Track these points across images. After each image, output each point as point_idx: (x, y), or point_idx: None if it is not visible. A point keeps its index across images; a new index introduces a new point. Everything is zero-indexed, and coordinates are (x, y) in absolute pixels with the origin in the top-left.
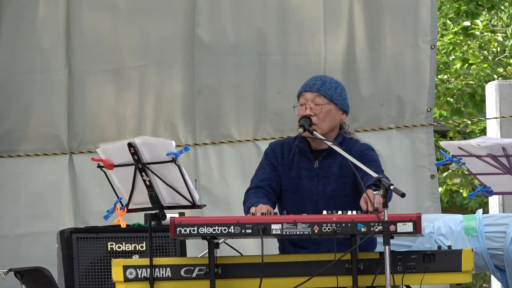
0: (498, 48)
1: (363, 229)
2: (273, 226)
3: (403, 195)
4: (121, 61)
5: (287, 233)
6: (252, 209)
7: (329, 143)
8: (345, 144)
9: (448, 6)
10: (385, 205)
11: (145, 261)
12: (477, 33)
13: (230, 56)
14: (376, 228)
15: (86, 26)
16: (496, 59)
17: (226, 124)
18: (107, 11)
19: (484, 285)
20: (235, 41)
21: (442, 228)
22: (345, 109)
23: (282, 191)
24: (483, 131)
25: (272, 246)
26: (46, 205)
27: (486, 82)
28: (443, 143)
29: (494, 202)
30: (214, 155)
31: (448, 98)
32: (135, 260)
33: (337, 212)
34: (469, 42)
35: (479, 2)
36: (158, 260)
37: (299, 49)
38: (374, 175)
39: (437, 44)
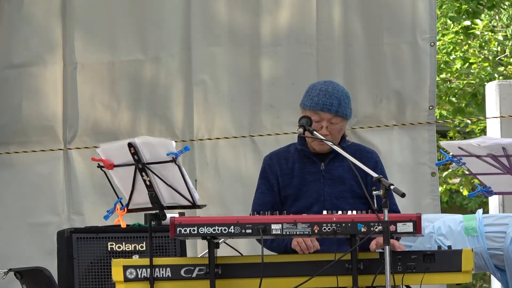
0: (499, 48)
1: (363, 229)
2: (273, 226)
3: (403, 195)
4: (117, 54)
5: (287, 233)
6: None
7: (329, 143)
8: (352, 147)
9: (449, 5)
10: (385, 205)
11: (145, 261)
12: (477, 32)
13: (226, 48)
14: (376, 228)
15: (81, 18)
16: (497, 59)
17: (222, 118)
18: (102, 4)
19: (484, 285)
20: (231, 34)
21: (442, 228)
22: (350, 118)
23: (284, 200)
24: (483, 131)
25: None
26: (41, 197)
27: (488, 81)
28: (443, 143)
29: (494, 202)
30: (210, 150)
31: (450, 97)
32: (135, 260)
33: (337, 212)
34: (469, 42)
35: (480, 1)
36: (158, 260)
37: (293, 40)
38: (374, 175)
39: (438, 43)
